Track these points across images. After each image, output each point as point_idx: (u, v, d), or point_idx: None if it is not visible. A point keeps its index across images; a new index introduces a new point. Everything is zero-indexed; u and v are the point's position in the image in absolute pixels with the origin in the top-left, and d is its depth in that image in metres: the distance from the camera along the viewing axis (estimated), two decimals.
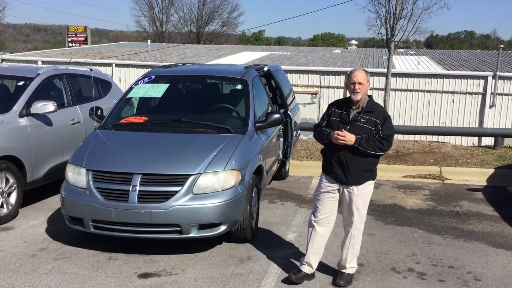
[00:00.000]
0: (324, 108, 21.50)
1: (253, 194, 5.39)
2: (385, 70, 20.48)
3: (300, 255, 5.05)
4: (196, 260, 4.92)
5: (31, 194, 6.65)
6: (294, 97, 8.89)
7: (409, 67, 21.38)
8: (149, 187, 4.76)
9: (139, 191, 4.73)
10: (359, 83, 4.16)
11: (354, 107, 4.28)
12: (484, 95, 19.31)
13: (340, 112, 4.30)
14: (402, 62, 23.51)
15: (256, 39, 66.09)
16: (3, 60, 25.76)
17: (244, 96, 6.17)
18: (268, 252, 5.15)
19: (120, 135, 5.65)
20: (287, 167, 8.16)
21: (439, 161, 9.00)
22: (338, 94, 20.98)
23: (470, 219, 6.43)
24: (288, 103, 7.71)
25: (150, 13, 52.18)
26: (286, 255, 5.10)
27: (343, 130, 4.20)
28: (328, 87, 21.18)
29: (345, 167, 4.25)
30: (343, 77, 20.71)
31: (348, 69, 21.04)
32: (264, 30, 71.26)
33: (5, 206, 5.88)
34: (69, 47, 37.18)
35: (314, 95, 20.82)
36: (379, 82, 19.13)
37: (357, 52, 29.26)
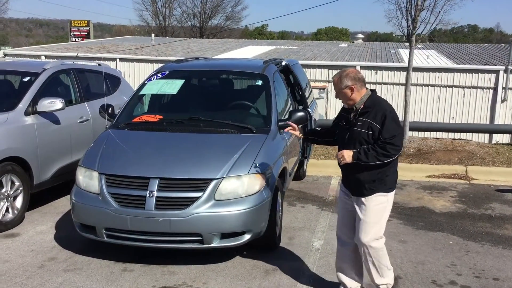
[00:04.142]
0: (331, 103, 21.08)
1: (278, 199, 5.00)
2: (395, 64, 20.12)
3: (329, 265, 4.67)
4: (218, 271, 4.53)
5: (37, 197, 6.26)
6: (311, 92, 8.48)
7: (419, 61, 20.91)
8: (167, 192, 4.37)
9: (157, 197, 4.34)
10: (336, 92, 3.76)
11: (352, 110, 3.78)
12: (495, 89, 18.83)
13: (346, 115, 3.85)
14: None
15: (259, 33, 65.57)
16: (5, 54, 25.37)
17: (265, 92, 5.76)
18: (295, 262, 4.77)
19: (134, 135, 5.26)
20: (305, 166, 7.77)
21: (464, 160, 8.59)
22: None
23: (505, 223, 6.03)
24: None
25: (153, 7, 51.66)
26: (314, 266, 4.71)
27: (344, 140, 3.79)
28: None
29: (349, 178, 3.84)
30: None
31: (356, 63, 20.61)
32: (268, 25, 70.77)
33: (10, 210, 5.50)
34: (72, 41, 36.79)
35: (321, 90, 20.42)
36: (392, 76, 18.73)
37: (364, 46, 28.76)
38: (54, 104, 5.99)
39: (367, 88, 3.78)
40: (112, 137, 5.19)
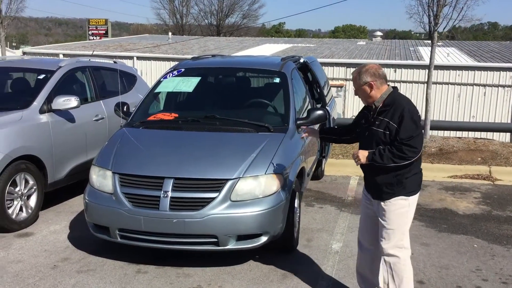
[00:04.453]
0: (349, 102, 20.85)
1: (296, 200, 4.85)
2: (414, 62, 19.80)
3: (349, 269, 4.51)
4: (234, 274, 4.40)
5: (51, 195, 6.21)
6: (330, 89, 8.30)
7: (439, 59, 20.56)
8: (182, 193, 4.25)
9: (171, 197, 4.22)
10: (355, 89, 3.53)
11: (372, 108, 3.55)
12: None
13: (366, 114, 3.63)
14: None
15: (276, 31, 65.36)
16: (24, 53, 25.60)
17: (282, 90, 5.61)
18: (313, 265, 4.61)
19: (149, 133, 5.15)
20: (323, 166, 7.60)
21: (488, 160, 8.34)
22: None
23: None
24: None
25: (170, 6, 51.82)
26: (333, 269, 4.55)
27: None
28: None
29: (369, 180, 3.63)
30: None
31: (375, 61, 20.33)
32: (284, 23, 70.53)
33: (24, 209, 5.44)
34: (89, 40, 37.05)
35: (339, 88, 20.19)
36: (411, 74, 18.45)
37: (383, 44, 28.43)
38: (69, 102, 5.92)
39: (388, 85, 3.53)
40: (126, 135, 5.09)
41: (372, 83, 3.43)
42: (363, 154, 3.44)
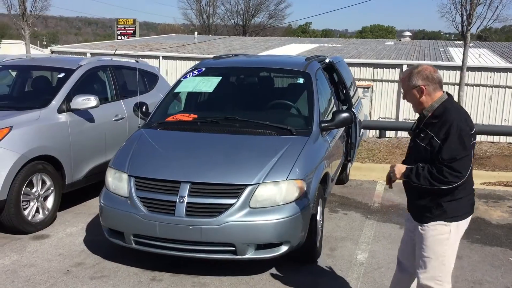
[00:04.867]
0: (376, 103, 20.42)
1: (318, 207, 4.61)
2: (445, 63, 19.27)
3: (375, 283, 4.25)
4: (252, 284, 4.19)
5: (71, 196, 6.10)
6: (356, 90, 8.02)
7: (469, 60, 19.96)
8: (199, 198, 4.06)
9: (188, 203, 4.03)
10: (403, 92, 3.13)
11: (421, 117, 3.14)
12: None
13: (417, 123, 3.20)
14: (461, 54, 22.03)
15: (303, 32, 64.94)
16: (52, 51, 25.92)
17: (306, 91, 5.37)
18: (337, 277, 4.37)
19: (167, 135, 4.97)
20: (348, 170, 7.32)
21: None
22: (392, 88, 19.88)
23: None
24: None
25: (197, 6, 52.05)
26: (358, 282, 4.29)
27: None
28: (381, 80, 20.12)
29: (408, 199, 3.25)
30: (397, 70, 19.61)
31: (404, 62, 19.92)
32: (311, 22, 70.03)
33: (41, 211, 5.33)
34: (117, 39, 37.38)
35: (366, 89, 19.80)
36: (442, 76, 18.02)
37: (411, 44, 27.88)
38: (88, 101, 5.80)
39: (444, 92, 3.08)
40: (144, 137, 4.93)
41: (424, 87, 3.00)
42: (400, 170, 3.06)
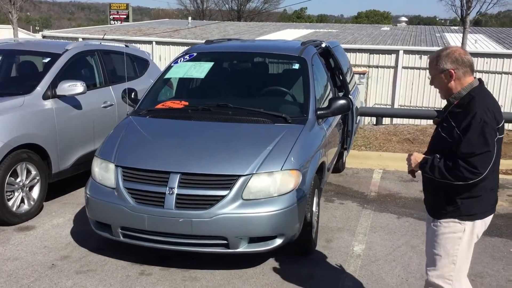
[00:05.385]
0: (371, 89, 20.20)
1: (314, 198, 4.44)
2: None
3: (372, 275, 4.09)
4: (245, 278, 4.02)
5: (59, 186, 5.90)
6: (353, 76, 7.81)
7: (466, 46, 19.75)
8: (189, 190, 3.87)
9: (177, 194, 3.84)
10: (430, 78, 2.86)
11: (446, 105, 2.88)
12: None
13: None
14: (458, 40, 21.88)
15: (298, 17, 64.49)
16: (44, 36, 25.49)
17: (302, 77, 5.16)
18: (333, 269, 4.21)
19: (156, 123, 4.77)
20: (344, 158, 7.15)
21: None
22: (388, 74, 19.68)
23: None
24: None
25: None
26: (356, 275, 4.13)
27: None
28: (377, 66, 19.91)
29: (424, 191, 3.04)
30: (393, 56, 19.39)
31: (400, 47, 19.68)
32: (306, 8, 69.57)
33: (26, 201, 5.14)
34: (110, 24, 36.89)
35: (361, 75, 19.57)
36: None
37: (407, 30, 27.60)
38: (74, 87, 5.57)
39: (474, 78, 2.80)
40: (132, 125, 4.72)
41: (453, 71, 2.72)
42: (416, 159, 2.83)
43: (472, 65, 2.76)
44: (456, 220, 2.81)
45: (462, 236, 2.81)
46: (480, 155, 2.61)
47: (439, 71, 2.76)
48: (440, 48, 2.89)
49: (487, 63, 18.89)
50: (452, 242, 2.82)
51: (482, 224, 2.87)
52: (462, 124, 2.65)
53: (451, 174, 2.67)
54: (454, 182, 2.68)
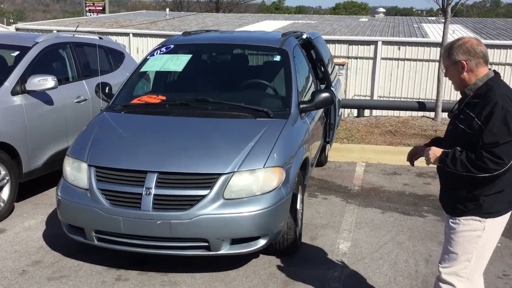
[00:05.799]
0: (351, 81, 20.14)
1: (298, 195, 4.27)
2: (420, 40, 19.06)
3: (361, 275, 3.96)
4: (227, 282, 3.85)
5: (30, 185, 5.64)
6: (334, 68, 7.66)
7: (447, 36, 19.73)
8: (167, 190, 3.66)
9: (155, 195, 3.64)
10: (444, 69, 2.80)
11: (462, 97, 2.79)
12: None
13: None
14: (436, 30, 21.94)
15: (276, 8, 64.20)
16: (17, 29, 24.79)
17: (284, 70, 4.98)
18: (318, 270, 4.06)
19: (132, 119, 4.53)
20: (327, 152, 7.01)
21: None
22: (367, 65, 19.62)
23: None
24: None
25: None
26: (342, 274, 4.00)
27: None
28: (356, 57, 19.82)
29: (441, 188, 2.92)
30: (372, 47, 19.32)
31: (379, 38, 19.61)
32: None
33: None
34: (86, 16, 36.16)
35: (341, 66, 19.48)
36: (415, 52, 17.82)
37: (386, 21, 27.57)
38: (45, 82, 5.29)
39: (489, 69, 2.73)
40: (106, 121, 4.48)
41: (465, 62, 2.65)
42: (435, 153, 2.71)
43: (485, 56, 2.68)
44: (477, 217, 2.70)
45: (481, 235, 2.71)
46: (504, 144, 2.51)
47: (452, 62, 2.70)
48: (454, 39, 2.76)
49: None
50: (470, 240, 2.73)
51: (502, 221, 2.76)
52: (482, 113, 2.55)
53: (474, 166, 2.55)
54: (478, 174, 2.57)
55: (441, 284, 2.84)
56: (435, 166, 2.79)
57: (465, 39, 2.71)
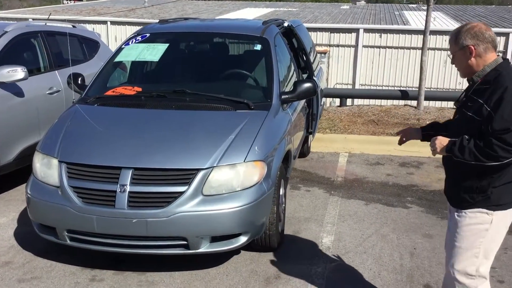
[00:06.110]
0: (333, 70, 20.01)
1: (280, 190, 4.14)
2: (401, 27, 19.01)
3: (343, 270, 3.85)
4: (207, 280, 3.70)
5: (2, 181, 5.40)
6: (316, 56, 7.51)
7: (430, 23, 19.71)
8: (143, 186, 3.49)
9: (130, 192, 3.46)
10: (449, 56, 2.71)
11: (469, 85, 2.68)
12: (505, 52, 17.74)
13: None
14: (417, 18, 21.94)
15: None
16: None
17: (265, 59, 4.81)
18: (301, 266, 3.93)
19: (105, 112, 4.33)
20: (309, 142, 6.87)
21: None
22: (349, 54, 19.53)
23: None
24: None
25: None
26: (325, 270, 3.88)
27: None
28: (338, 45, 19.70)
29: (446, 179, 2.81)
30: (354, 34, 19.22)
31: (360, 26, 19.53)
32: None
33: None
34: (63, 4, 35.43)
35: (323, 55, 19.36)
36: (397, 39, 17.75)
37: (367, 8, 27.54)
38: (14, 73, 5.06)
39: (498, 55, 2.62)
40: (78, 114, 4.27)
41: (472, 47, 2.54)
42: (442, 142, 2.59)
43: (494, 41, 2.57)
44: (484, 210, 2.59)
45: (488, 228, 2.60)
46: None
47: (459, 47, 2.58)
48: (462, 24, 2.67)
49: (445, 40, 18.96)
50: (476, 234, 2.62)
51: (508, 216, 2.65)
52: (492, 99, 2.44)
53: (483, 154, 2.44)
54: (487, 163, 2.45)
55: (456, 284, 2.72)
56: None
57: (473, 23, 2.60)
